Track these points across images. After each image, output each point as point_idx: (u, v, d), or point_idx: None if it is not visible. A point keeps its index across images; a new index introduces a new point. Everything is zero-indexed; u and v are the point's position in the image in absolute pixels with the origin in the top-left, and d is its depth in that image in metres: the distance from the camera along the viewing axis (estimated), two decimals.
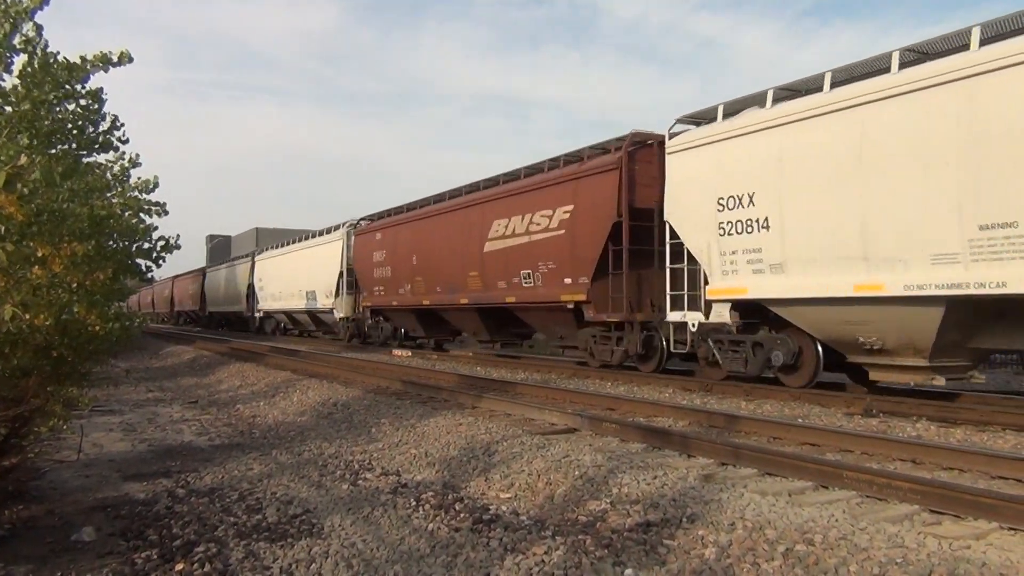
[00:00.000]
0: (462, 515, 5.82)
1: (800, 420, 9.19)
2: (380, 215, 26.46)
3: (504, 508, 6.01)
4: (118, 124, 7.09)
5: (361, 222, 27.75)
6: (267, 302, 36.97)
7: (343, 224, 28.93)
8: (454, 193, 21.17)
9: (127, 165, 7.39)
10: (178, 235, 7.53)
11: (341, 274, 28.05)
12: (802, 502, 5.40)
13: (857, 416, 9.56)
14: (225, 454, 8.85)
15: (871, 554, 4.35)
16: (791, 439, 7.81)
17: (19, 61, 6.08)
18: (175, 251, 7.57)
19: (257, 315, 39.46)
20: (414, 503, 6.22)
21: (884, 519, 4.95)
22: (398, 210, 24.79)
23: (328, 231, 30.43)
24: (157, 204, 7.36)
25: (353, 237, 27.48)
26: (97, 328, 6.27)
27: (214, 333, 44.02)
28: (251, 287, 39.99)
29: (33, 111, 5.92)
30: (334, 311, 28.96)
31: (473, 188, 20.04)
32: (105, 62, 6.19)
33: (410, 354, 22.22)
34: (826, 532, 4.71)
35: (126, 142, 7.16)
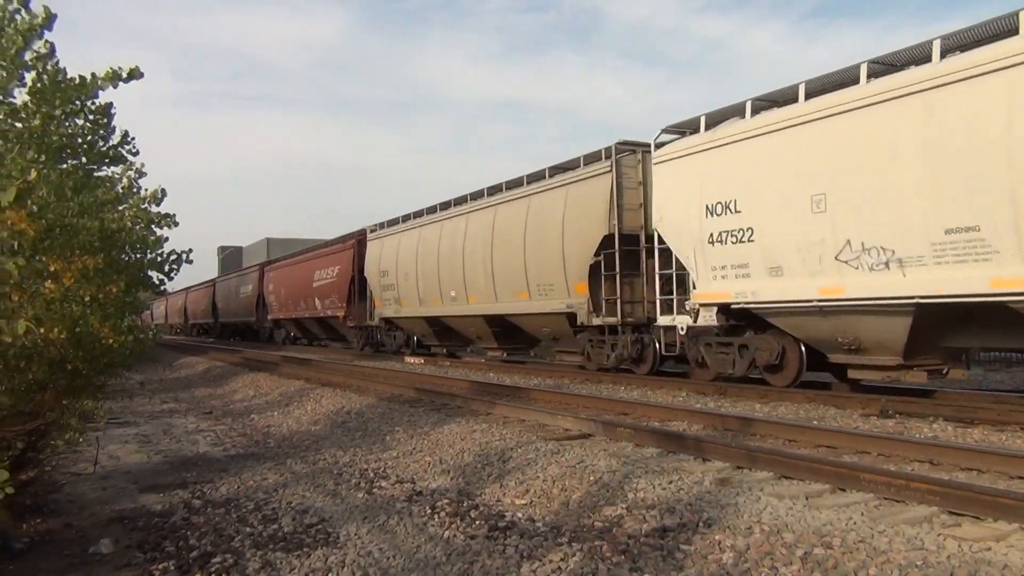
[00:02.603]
0: (478, 522, 5.80)
1: (816, 422, 9.14)
2: None
3: (520, 515, 5.99)
4: (128, 138, 7.14)
5: None
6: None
7: None
8: None
9: (134, 176, 7.44)
10: (190, 249, 7.58)
11: None
12: (819, 505, 5.36)
13: (873, 417, 9.49)
14: (240, 464, 8.87)
15: (890, 557, 4.31)
16: (807, 441, 7.76)
17: (29, 77, 6.13)
18: (187, 264, 7.62)
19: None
20: (429, 511, 6.21)
21: (903, 521, 4.90)
22: None
23: None
24: (167, 216, 7.41)
25: None
26: (111, 341, 6.31)
27: (225, 343, 43.30)
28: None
29: (43, 126, 5.97)
30: None
31: None
32: (115, 78, 6.23)
33: (423, 361, 22.24)
34: (844, 535, 4.67)
35: (136, 154, 7.21)
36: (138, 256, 7.78)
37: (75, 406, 6.94)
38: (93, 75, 6.05)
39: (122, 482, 8.19)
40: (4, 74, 5.81)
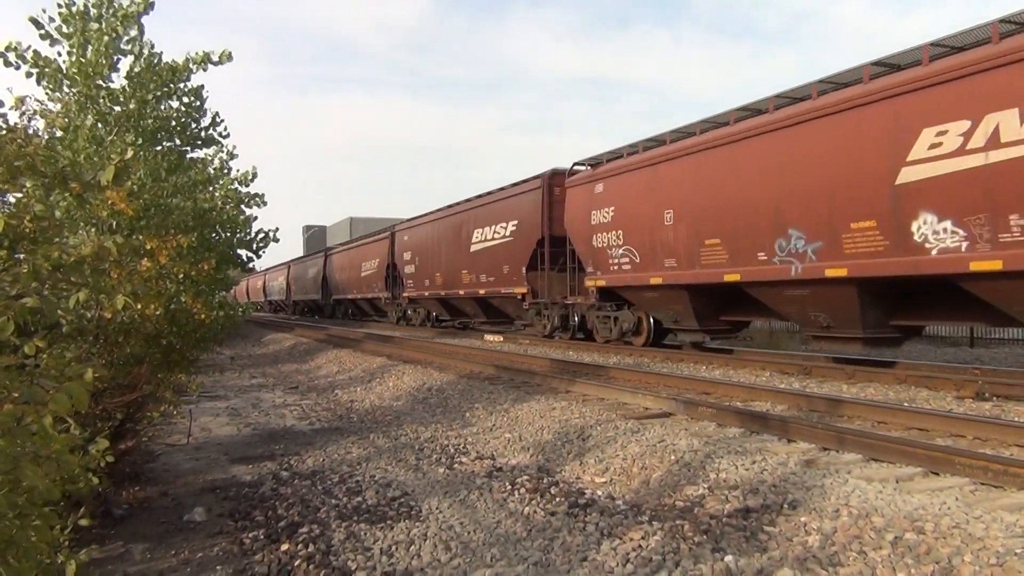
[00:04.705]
0: (557, 499, 5.82)
1: (907, 404, 8.84)
2: None
3: (600, 492, 5.98)
4: (218, 120, 7.36)
5: None
6: None
7: None
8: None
9: (225, 158, 7.67)
10: (277, 228, 7.81)
11: None
12: (911, 489, 5.19)
13: (968, 400, 9.13)
14: (325, 438, 9.10)
15: (987, 544, 4.15)
16: (897, 423, 7.52)
17: (126, 62, 6.37)
18: (274, 243, 7.84)
19: None
20: (509, 487, 6.26)
21: (1001, 507, 4.71)
22: None
23: None
24: (256, 196, 7.62)
25: None
26: (203, 316, 6.54)
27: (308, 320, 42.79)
28: None
29: (139, 110, 6.18)
30: None
31: None
32: (206, 62, 6.42)
33: (501, 339, 22.27)
34: (937, 520, 4.51)
35: (227, 136, 7.42)
36: (228, 235, 8.03)
37: (169, 379, 7.23)
38: (186, 58, 6.24)
39: (214, 453, 8.50)
40: (102, 60, 6.05)
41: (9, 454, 2.20)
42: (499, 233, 21.84)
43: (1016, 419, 7.81)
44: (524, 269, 20.09)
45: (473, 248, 23.26)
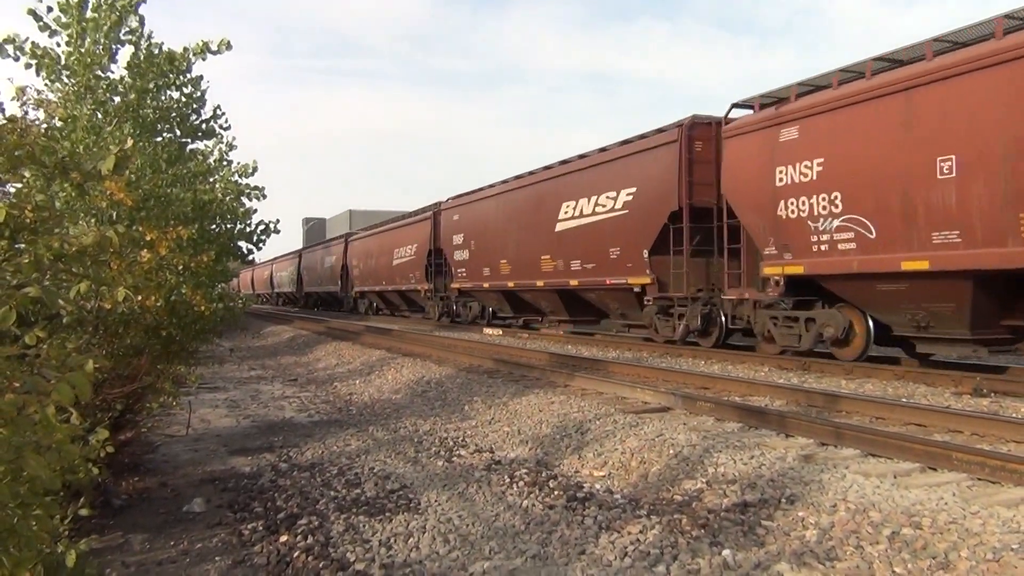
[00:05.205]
0: (556, 492, 5.84)
1: (905, 399, 8.86)
2: None
3: (598, 486, 6.00)
4: (219, 112, 7.36)
5: None
6: None
7: None
8: None
9: (225, 149, 7.67)
10: (278, 220, 7.82)
11: None
12: (908, 484, 5.20)
13: (966, 396, 9.14)
14: (324, 430, 9.11)
15: (984, 539, 4.16)
16: (895, 419, 7.53)
17: (125, 52, 6.37)
18: (274, 235, 7.84)
19: None
20: (508, 480, 6.27)
21: (998, 503, 4.72)
22: None
23: None
24: (256, 188, 7.62)
25: None
26: (203, 308, 6.54)
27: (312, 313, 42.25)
28: None
29: (138, 100, 6.18)
30: None
31: None
32: (205, 51, 6.42)
33: (501, 332, 22.23)
34: (935, 515, 4.53)
35: (227, 128, 7.43)
36: (228, 226, 8.04)
37: (169, 371, 7.24)
38: (185, 48, 6.23)
39: (213, 445, 8.52)
40: (100, 50, 6.04)
41: (12, 443, 2.21)
42: (604, 206, 16.45)
43: (1013, 415, 7.83)
44: (646, 252, 15.04)
45: (560, 227, 18.00)
